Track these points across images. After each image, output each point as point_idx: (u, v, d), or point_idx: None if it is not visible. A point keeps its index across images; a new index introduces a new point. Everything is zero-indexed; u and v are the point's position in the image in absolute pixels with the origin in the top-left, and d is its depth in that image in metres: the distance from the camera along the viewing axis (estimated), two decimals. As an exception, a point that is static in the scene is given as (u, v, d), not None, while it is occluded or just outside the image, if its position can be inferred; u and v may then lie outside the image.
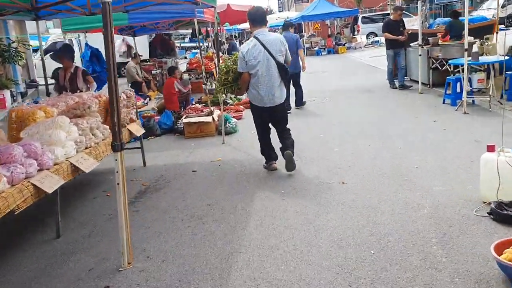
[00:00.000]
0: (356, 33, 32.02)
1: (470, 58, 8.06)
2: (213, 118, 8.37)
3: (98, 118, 5.25)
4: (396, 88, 11.28)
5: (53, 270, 3.71)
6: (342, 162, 5.82)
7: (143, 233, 4.24)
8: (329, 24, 34.24)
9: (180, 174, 6.07)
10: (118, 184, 3.48)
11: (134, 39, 12.38)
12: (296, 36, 10.58)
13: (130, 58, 13.59)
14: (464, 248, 3.38)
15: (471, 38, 10.55)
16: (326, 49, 27.41)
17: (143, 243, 4.00)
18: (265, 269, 3.36)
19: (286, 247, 3.66)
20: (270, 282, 3.18)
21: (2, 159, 3.67)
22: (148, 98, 11.39)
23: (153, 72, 14.74)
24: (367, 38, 30.45)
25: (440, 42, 10.81)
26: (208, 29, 18.36)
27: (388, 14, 33.96)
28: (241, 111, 10.55)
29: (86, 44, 9.53)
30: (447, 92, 8.98)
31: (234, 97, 11.89)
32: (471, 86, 8.53)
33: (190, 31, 21.07)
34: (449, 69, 9.93)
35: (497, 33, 11.16)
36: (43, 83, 9.11)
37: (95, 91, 9.88)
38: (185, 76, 14.85)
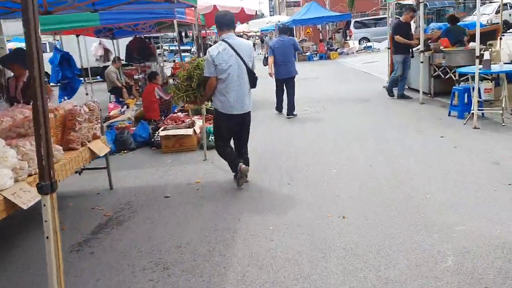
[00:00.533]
0: (348, 38, 31.28)
1: (481, 66, 7.24)
2: (194, 131, 7.47)
3: (47, 137, 4.32)
4: (394, 97, 10.46)
5: None
6: (342, 188, 4.96)
7: (92, 288, 3.34)
8: (320, 29, 33.50)
9: (150, 201, 5.16)
10: (47, 237, 2.57)
11: (113, 42, 11.46)
12: (293, 39, 10.14)
13: (111, 62, 12.66)
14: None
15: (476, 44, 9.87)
16: (317, 54, 26.61)
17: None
18: None
19: (274, 317, 2.79)
20: None
21: None
22: (125, 106, 10.45)
23: (135, 77, 13.81)
24: (359, 44, 29.69)
25: (441, 48, 10.04)
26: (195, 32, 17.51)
27: (381, 19, 33.45)
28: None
29: (55, 48, 8.58)
30: (453, 103, 8.18)
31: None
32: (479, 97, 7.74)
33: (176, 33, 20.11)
34: (453, 77, 9.15)
35: (500, 39, 10.41)
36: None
37: (64, 100, 9.03)
38: (171, 81, 13.97)
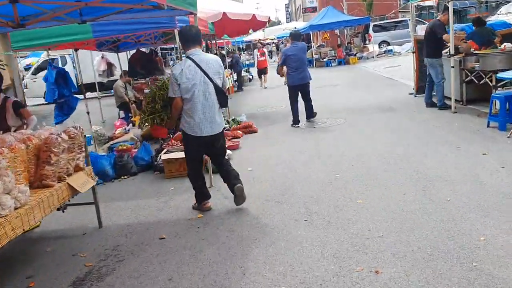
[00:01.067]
0: (367, 42, 30.25)
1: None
2: (199, 153, 6.65)
3: (9, 177, 3.54)
4: (445, 107, 9.02)
5: None
6: (371, 227, 4.07)
7: None
8: (338, 34, 32.54)
9: (142, 244, 4.34)
10: None
11: (118, 55, 10.78)
12: (305, 45, 10.03)
13: (119, 76, 11.99)
14: None
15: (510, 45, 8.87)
16: (336, 60, 25.67)
17: None
18: None
19: None
20: None
21: None
22: (131, 124, 9.73)
23: (146, 91, 13.11)
24: (379, 47, 28.64)
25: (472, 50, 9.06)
26: (208, 42, 16.80)
27: (400, 22, 32.36)
28: (240, 137, 8.88)
29: (50, 64, 7.91)
30: (492, 112, 7.22)
31: (232, 120, 10.24)
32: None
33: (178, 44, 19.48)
34: (489, 83, 8.17)
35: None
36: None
37: (55, 124, 8.32)
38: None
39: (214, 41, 11.91)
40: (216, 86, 4.72)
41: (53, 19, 5.59)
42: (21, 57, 23.87)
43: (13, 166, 3.70)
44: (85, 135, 4.73)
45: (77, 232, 4.88)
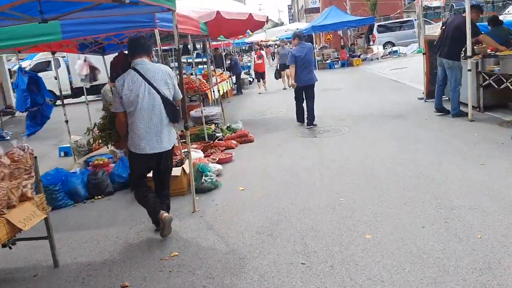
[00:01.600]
0: (371, 43, 29.33)
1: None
2: (183, 170, 5.83)
3: None
4: (465, 116, 7.95)
5: None
6: (383, 273, 3.22)
7: None
8: (342, 35, 31.64)
9: (99, 295, 3.51)
10: None
11: (104, 58, 9.93)
12: (312, 46, 10.07)
13: (108, 81, 11.15)
14: None
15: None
16: (339, 61, 24.78)
17: None
18: None
19: None
20: None
21: None
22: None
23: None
24: (384, 48, 27.73)
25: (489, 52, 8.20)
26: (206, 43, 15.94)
27: (406, 22, 31.40)
28: (234, 147, 8.06)
29: (20, 69, 7.06)
30: (517, 122, 6.38)
31: (227, 128, 9.41)
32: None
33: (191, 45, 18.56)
34: (511, 87, 7.33)
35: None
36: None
37: (27, 136, 7.51)
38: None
39: (207, 42, 11.02)
40: (163, 97, 4.31)
41: (9, 16, 4.79)
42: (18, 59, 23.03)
43: None
44: (35, 157, 3.89)
45: (27, 273, 4.04)
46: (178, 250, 4.10)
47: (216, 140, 8.32)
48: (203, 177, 5.75)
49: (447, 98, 9.02)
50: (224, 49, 29.49)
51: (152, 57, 4.91)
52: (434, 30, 19.39)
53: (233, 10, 10.35)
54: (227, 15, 9.88)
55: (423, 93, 10.43)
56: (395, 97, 11.51)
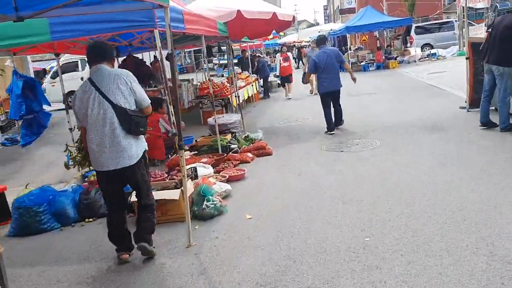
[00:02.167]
0: (408, 45, 27.95)
1: None
2: (182, 193, 5.02)
3: None
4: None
5: None
6: None
7: None
8: (378, 36, 30.35)
9: None
10: None
11: (117, 60, 9.30)
12: (336, 50, 9.83)
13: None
14: None
15: None
16: (374, 63, 23.59)
17: None
18: None
19: None
20: None
21: None
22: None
23: (159, 99, 11.64)
24: (422, 51, 26.31)
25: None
26: (233, 45, 15.21)
27: (445, 23, 29.81)
28: (249, 162, 7.22)
29: (14, 73, 6.41)
30: None
31: (244, 138, 8.57)
32: None
33: (215, 46, 17.90)
34: None
35: None
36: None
37: (22, 146, 6.86)
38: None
39: (227, 44, 10.21)
40: (115, 106, 3.80)
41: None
42: (35, 61, 22.88)
43: None
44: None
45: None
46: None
47: (230, 153, 7.50)
48: (205, 202, 4.93)
49: (493, 108, 7.89)
50: (254, 50, 28.73)
51: (113, 62, 4.22)
52: (476, 31, 18.02)
53: (255, 9, 9.52)
54: (248, 15, 9.06)
55: (465, 102, 9.30)
56: (433, 104, 10.42)
